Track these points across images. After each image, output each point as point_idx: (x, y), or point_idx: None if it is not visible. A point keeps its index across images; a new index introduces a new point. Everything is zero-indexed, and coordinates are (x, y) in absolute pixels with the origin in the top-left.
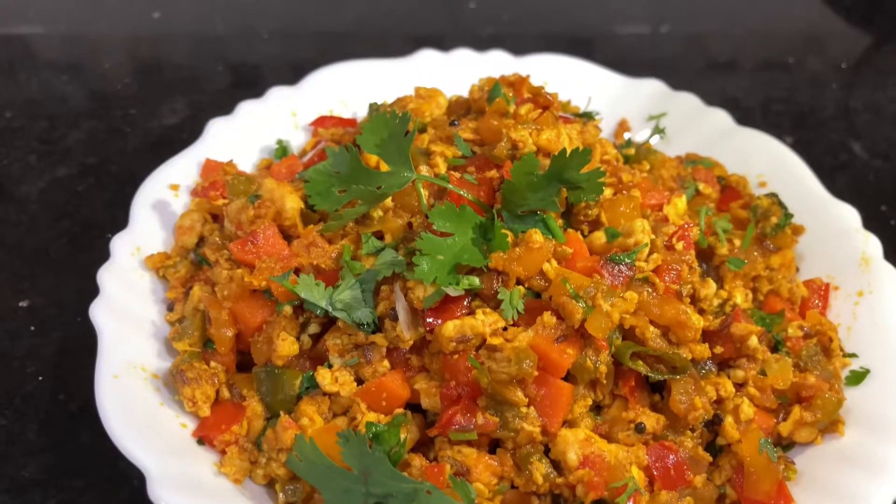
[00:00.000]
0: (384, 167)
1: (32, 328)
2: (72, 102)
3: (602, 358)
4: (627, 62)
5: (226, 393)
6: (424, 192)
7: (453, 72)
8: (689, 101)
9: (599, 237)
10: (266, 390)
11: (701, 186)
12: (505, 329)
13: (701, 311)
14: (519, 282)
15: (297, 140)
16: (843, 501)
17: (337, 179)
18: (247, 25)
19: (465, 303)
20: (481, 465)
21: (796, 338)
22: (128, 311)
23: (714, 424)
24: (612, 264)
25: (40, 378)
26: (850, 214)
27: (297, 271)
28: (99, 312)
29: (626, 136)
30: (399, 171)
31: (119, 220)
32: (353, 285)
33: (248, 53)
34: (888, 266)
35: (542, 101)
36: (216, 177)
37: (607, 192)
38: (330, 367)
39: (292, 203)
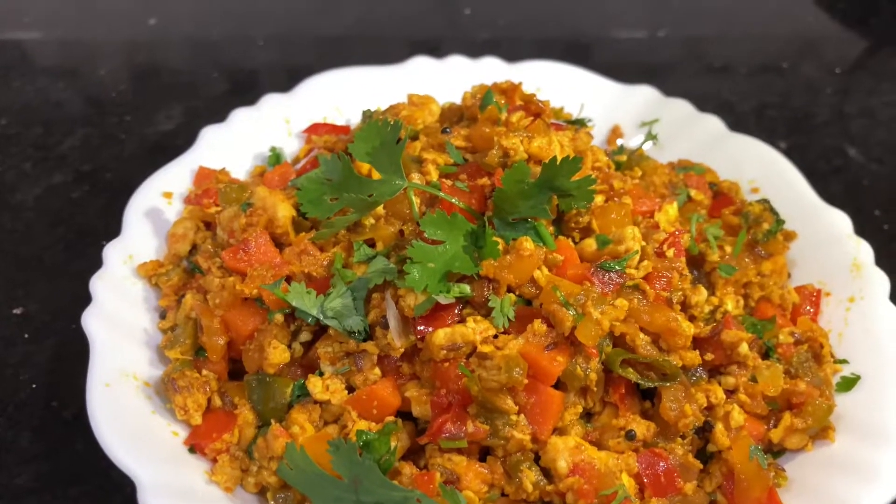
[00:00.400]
0: (376, 175)
1: (26, 335)
2: (67, 109)
3: (592, 365)
4: (624, 67)
5: (217, 401)
6: (416, 200)
7: (447, 78)
8: (681, 108)
9: (590, 244)
10: (257, 398)
11: (693, 193)
12: (495, 337)
13: (692, 318)
14: (510, 289)
15: (291, 147)
16: None
17: (329, 187)
18: (242, 31)
19: (455, 311)
20: (471, 472)
21: (787, 344)
22: (120, 319)
23: (705, 431)
24: (603, 272)
25: (34, 385)
26: (841, 220)
27: (288, 279)
28: (91, 320)
29: (619, 142)
30: (390, 178)
31: (114, 227)
32: (345, 293)
33: (243, 59)
34: (879, 272)
35: (534, 109)
36: (209, 184)
37: (598, 199)
38: (321, 375)
39: (284, 211)
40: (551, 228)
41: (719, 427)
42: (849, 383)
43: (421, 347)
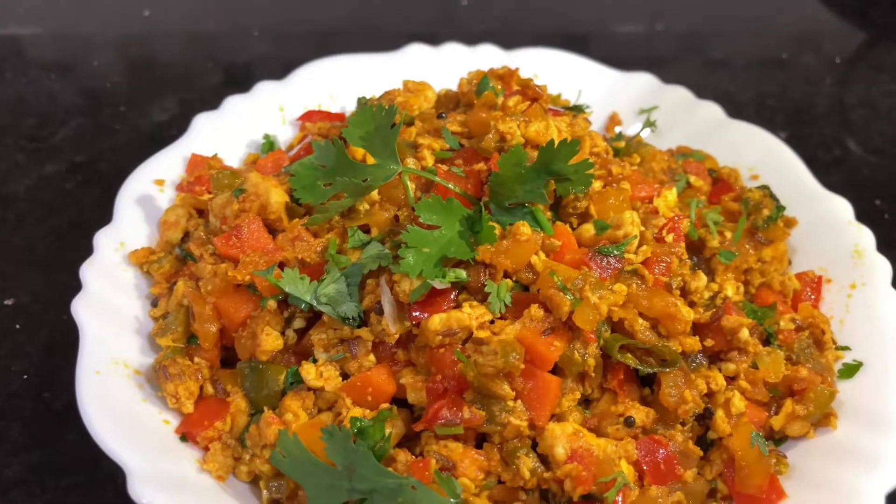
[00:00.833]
0: (370, 160)
1: (18, 326)
2: (61, 100)
3: (590, 351)
4: (622, 60)
5: (210, 389)
6: (411, 185)
7: (443, 66)
8: (680, 95)
9: (588, 229)
10: (250, 386)
11: (692, 179)
12: (492, 322)
13: (691, 304)
14: (507, 275)
15: (285, 135)
16: (835, 495)
17: (322, 173)
18: (237, 23)
19: (451, 296)
20: (467, 459)
21: (788, 331)
22: (111, 307)
23: (705, 418)
24: (601, 256)
25: (25, 377)
26: (842, 207)
27: (281, 265)
28: (81, 308)
29: (617, 129)
30: (385, 163)
31: (107, 218)
32: (339, 279)
33: (238, 51)
34: (881, 258)
35: (531, 94)
36: (201, 172)
37: (596, 184)
38: (315, 361)
39: (277, 197)
40: (549, 214)
41: (720, 414)
42: (851, 370)
43: (416, 333)
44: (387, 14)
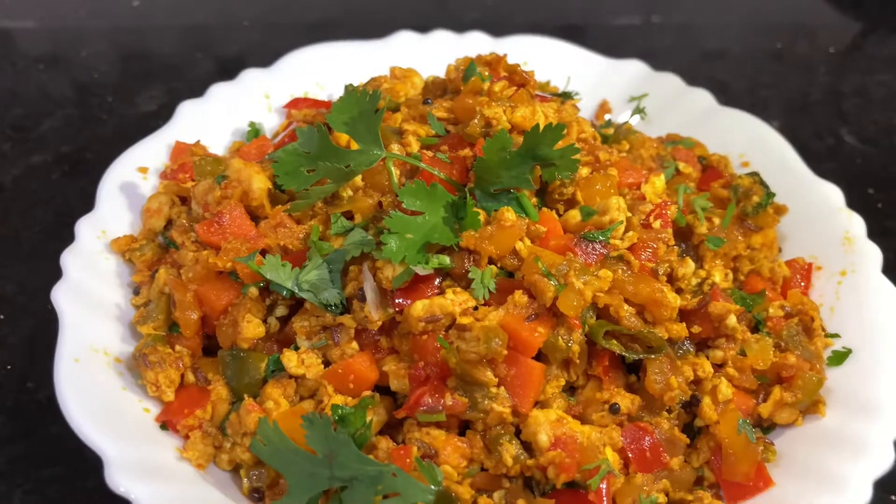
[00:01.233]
0: (354, 146)
1: (2, 316)
2: (48, 90)
3: (575, 337)
4: (618, 53)
5: (191, 377)
6: (396, 171)
7: (432, 53)
8: (670, 82)
9: (574, 216)
10: (231, 374)
11: (681, 166)
12: (476, 309)
13: (679, 291)
14: (492, 261)
15: (271, 123)
16: (822, 482)
17: (306, 159)
18: (227, 13)
19: (435, 283)
20: (450, 447)
21: (777, 318)
22: (91, 295)
23: (692, 406)
24: (586, 242)
25: (8, 367)
26: (833, 193)
27: (263, 253)
28: (61, 296)
29: (607, 117)
30: (368, 149)
31: (92, 208)
32: (321, 266)
33: (228, 41)
34: (871, 245)
35: (518, 79)
36: (185, 159)
37: (583, 170)
38: (297, 349)
39: (259, 183)
40: (534, 200)
41: (706, 401)
42: (840, 357)
43: (399, 321)
44: (378, 3)
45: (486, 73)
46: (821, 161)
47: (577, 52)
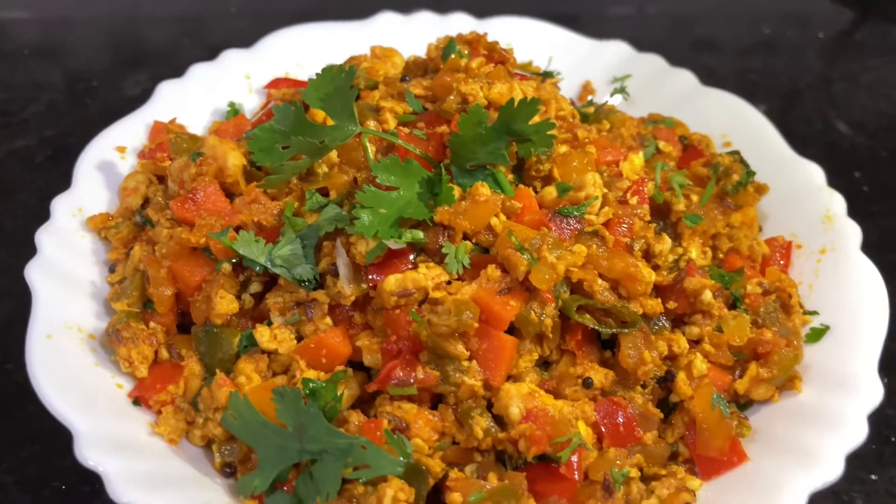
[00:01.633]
0: (331, 123)
1: None
2: (33, 75)
3: (547, 311)
4: None
5: (165, 354)
6: (371, 148)
7: (414, 34)
8: (654, 62)
9: (550, 192)
10: (205, 350)
11: (661, 145)
12: (449, 283)
13: (655, 268)
14: (466, 237)
15: (251, 103)
16: (797, 456)
17: (281, 135)
18: (215, 0)
19: (409, 259)
20: (421, 420)
21: (755, 294)
22: (66, 272)
23: (667, 381)
24: (561, 217)
25: None
26: (814, 172)
27: (238, 229)
28: (34, 272)
29: (590, 98)
30: (343, 124)
31: None
32: (294, 241)
33: (215, 27)
34: (851, 223)
35: (498, 57)
36: (163, 139)
37: (561, 148)
38: (270, 325)
39: (234, 160)
40: (511, 176)
41: (681, 376)
42: (818, 334)
43: (373, 296)
44: None
45: (466, 52)
46: (808, 145)
47: (560, 34)
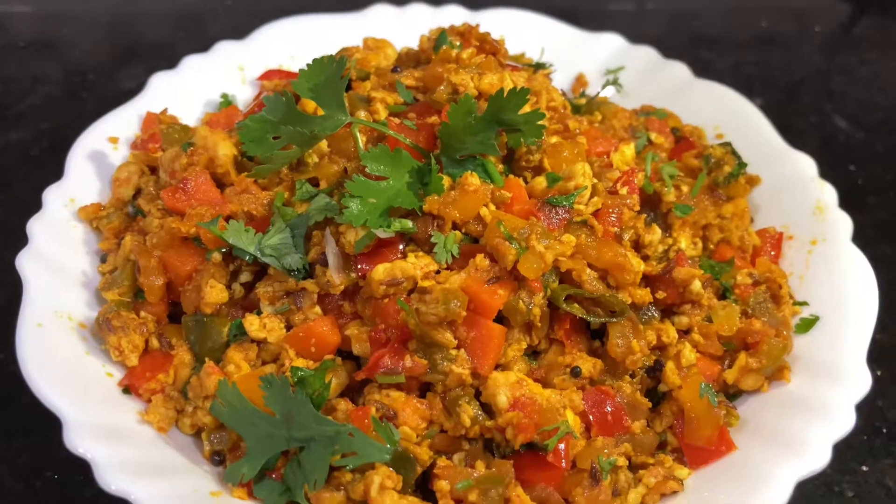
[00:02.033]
0: (321, 113)
1: None
2: (29, 68)
3: (536, 300)
4: None
5: (155, 343)
6: (362, 138)
7: (407, 27)
8: (647, 55)
9: (540, 182)
10: (195, 339)
11: (653, 136)
12: (438, 273)
13: (645, 258)
14: (456, 227)
15: (244, 95)
16: (784, 445)
17: (272, 125)
18: None
19: (398, 247)
20: (409, 408)
21: (745, 285)
22: (57, 261)
23: (655, 371)
24: (550, 207)
25: None
26: (806, 163)
27: (228, 219)
28: (25, 261)
29: (583, 90)
30: (333, 114)
31: None
32: (284, 230)
33: (210, 20)
34: (842, 214)
35: (489, 48)
36: (156, 130)
37: (552, 139)
38: (260, 314)
39: (225, 150)
40: (500, 167)
41: (670, 366)
42: (808, 324)
43: (362, 286)
44: None
45: (458, 43)
46: (804, 138)
47: (553, 26)
